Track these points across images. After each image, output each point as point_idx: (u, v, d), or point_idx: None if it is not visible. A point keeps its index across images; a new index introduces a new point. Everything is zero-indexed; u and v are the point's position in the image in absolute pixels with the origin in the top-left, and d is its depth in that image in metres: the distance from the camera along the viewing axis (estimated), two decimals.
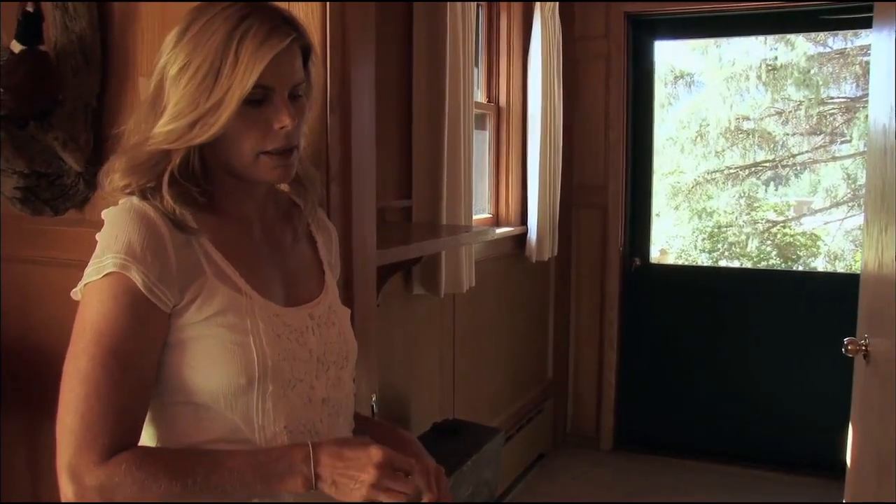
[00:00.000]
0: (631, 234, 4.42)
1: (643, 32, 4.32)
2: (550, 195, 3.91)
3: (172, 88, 1.10)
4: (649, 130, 4.44)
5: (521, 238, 3.87)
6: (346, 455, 1.05)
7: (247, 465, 1.04)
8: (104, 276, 1.03)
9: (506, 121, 3.85)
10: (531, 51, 3.78)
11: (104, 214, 1.10)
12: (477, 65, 3.55)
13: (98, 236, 1.09)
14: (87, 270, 1.06)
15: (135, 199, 1.08)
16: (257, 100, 1.10)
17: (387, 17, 2.69)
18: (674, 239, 7.08)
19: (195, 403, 1.09)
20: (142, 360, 1.05)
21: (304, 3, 1.61)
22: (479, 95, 3.72)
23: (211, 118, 1.08)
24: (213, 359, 1.08)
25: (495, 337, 3.77)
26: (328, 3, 1.62)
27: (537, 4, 3.72)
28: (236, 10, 1.10)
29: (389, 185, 2.81)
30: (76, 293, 1.09)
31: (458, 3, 2.91)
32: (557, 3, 3.87)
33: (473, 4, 3.12)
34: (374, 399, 1.91)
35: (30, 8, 1.70)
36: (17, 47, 1.72)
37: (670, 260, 6.67)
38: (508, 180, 3.88)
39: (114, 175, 1.12)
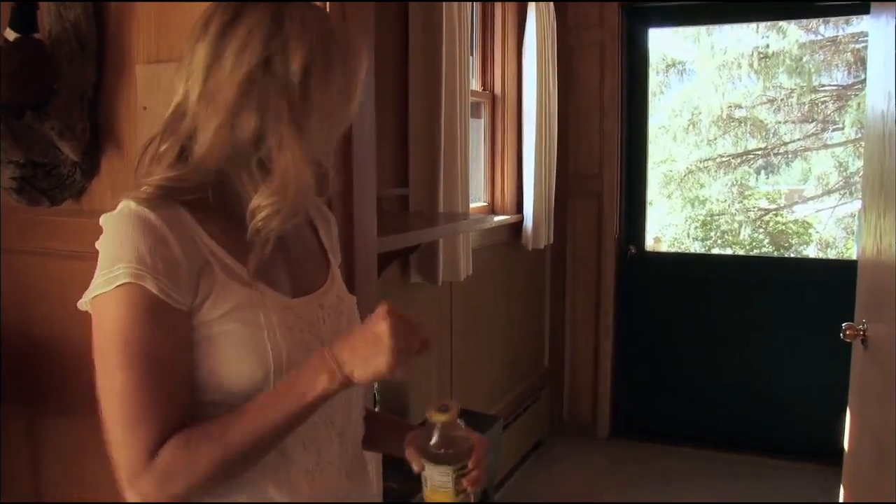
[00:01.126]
0: (626, 223, 4.42)
1: (637, 21, 4.31)
2: (546, 183, 3.91)
3: (305, 87, 1.05)
4: (643, 119, 4.44)
5: (518, 226, 3.87)
6: (354, 331, 1.05)
7: (273, 395, 1.04)
8: (117, 286, 1.00)
9: (501, 109, 3.85)
10: (526, 39, 3.77)
11: (103, 222, 1.06)
12: (472, 53, 3.54)
13: (99, 245, 1.05)
14: (96, 281, 1.02)
15: (132, 204, 1.04)
16: None
17: (383, 6, 2.68)
18: (667, 227, 7.10)
19: (213, 402, 1.08)
20: (174, 363, 1.03)
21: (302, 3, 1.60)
22: (475, 84, 3.71)
23: (348, 108, 1.11)
24: (229, 355, 1.06)
25: (492, 325, 3.77)
26: (327, 3, 1.61)
27: None
28: (295, 5, 1.09)
29: (386, 174, 2.80)
30: (83, 304, 1.06)
31: None
32: None
33: None
34: (375, 387, 1.92)
35: None
36: (11, 35, 1.70)
37: (663, 248, 6.68)
38: (504, 168, 3.88)
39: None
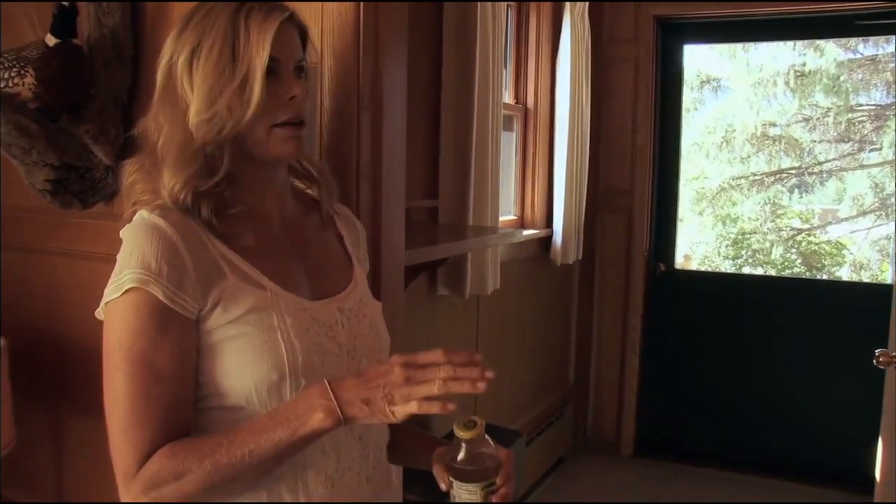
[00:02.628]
0: (656, 240, 4.38)
1: (672, 36, 4.28)
2: (576, 198, 3.89)
3: (187, 77, 1.11)
4: (676, 135, 4.41)
5: (547, 241, 3.85)
6: (366, 372, 1.02)
7: (267, 421, 1.03)
8: (124, 293, 1.03)
9: (533, 123, 3.83)
10: (560, 53, 3.76)
11: (122, 233, 1.09)
12: (506, 66, 3.54)
13: (118, 256, 1.08)
14: (107, 290, 1.05)
15: (144, 213, 1.07)
16: (266, 72, 1.10)
17: (417, 17, 2.68)
18: (697, 245, 7.02)
19: (228, 406, 1.08)
20: (175, 370, 1.04)
21: (337, 2, 1.60)
22: (507, 97, 3.71)
23: (244, 95, 1.09)
24: (244, 358, 1.07)
25: (518, 339, 3.75)
26: (361, 3, 1.61)
27: (567, 6, 3.70)
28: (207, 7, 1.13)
29: (416, 185, 2.80)
30: (99, 313, 1.09)
31: (489, 4, 2.90)
32: (587, 5, 3.84)
33: (504, 5, 3.10)
34: None
35: (65, 2, 1.71)
36: (51, 41, 1.72)
37: (693, 266, 6.61)
38: (535, 182, 3.86)
39: (171, 182, 1.09)
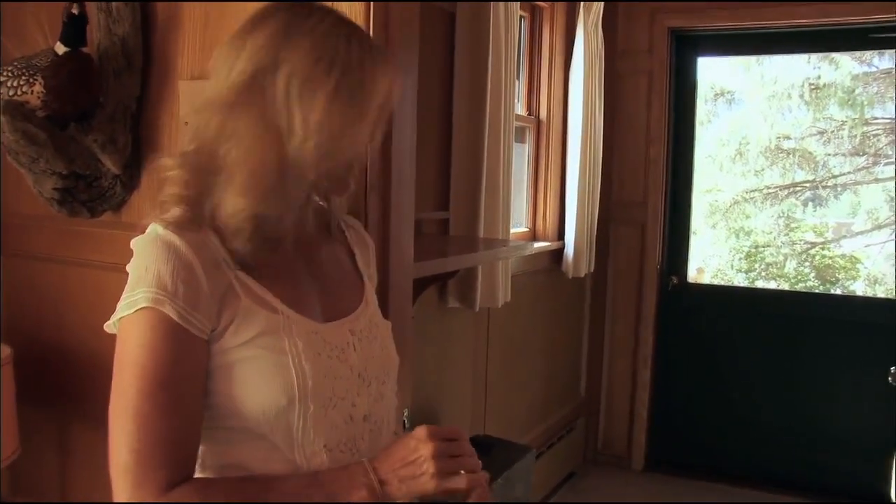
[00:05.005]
0: (669, 253, 4.35)
1: (686, 48, 4.27)
2: (589, 211, 3.86)
3: (300, 99, 1.04)
4: (690, 148, 4.39)
5: (558, 253, 3.83)
6: (396, 451, 1.05)
7: (303, 487, 1.03)
8: (137, 310, 1.01)
9: (546, 134, 3.82)
10: (573, 64, 3.74)
11: (133, 245, 1.07)
12: (518, 77, 3.52)
13: (128, 267, 1.06)
14: (120, 304, 1.03)
15: (159, 228, 1.04)
16: None
17: (429, 27, 2.67)
18: (710, 258, 6.98)
19: (235, 427, 1.07)
20: (188, 390, 1.03)
21: (347, 2, 1.59)
22: (520, 108, 3.69)
23: (359, 134, 1.10)
24: (254, 382, 1.05)
25: (529, 353, 3.72)
26: (372, 3, 1.60)
27: (580, 17, 3.68)
28: (328, 13, 1.10)
29: (427, 197, 2.79)
30: (110, 327, 1.07)
31: (502, 15, 2.88)
32: (601, 17, 3.83)
33: (517, 16, 3.08)
34: (406, 414, 1.88)
35: (75, 10, 1.70)
36: (60, 49, 1.72)
37: (707, 279, 6.58)
38: (547, 195, 3.84)
39: (237, 205, 1.04)
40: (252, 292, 1.07)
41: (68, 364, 2.08)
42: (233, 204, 1.04)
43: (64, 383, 2.10)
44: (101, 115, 1.81)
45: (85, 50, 1.75)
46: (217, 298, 1.04)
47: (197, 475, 1.07)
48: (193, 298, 1.02)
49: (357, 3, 1.59)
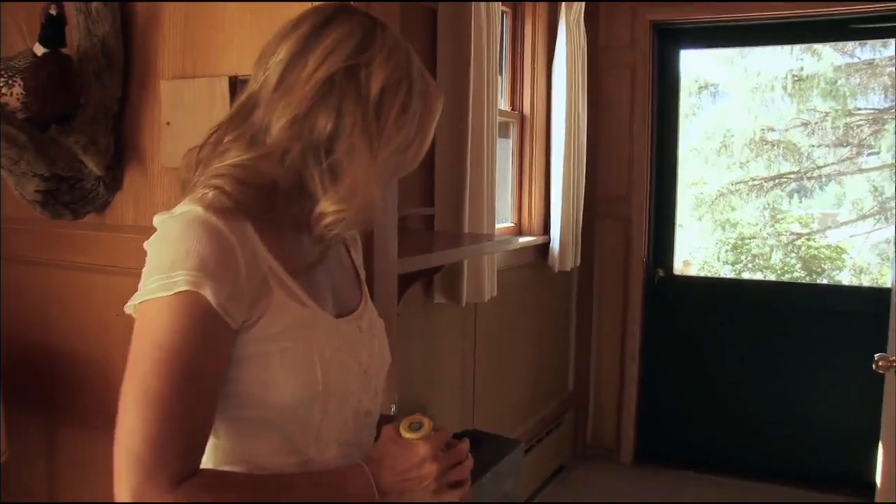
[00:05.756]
0: (654, 246, 4.37)
1: (669, 42, 4.28)
2: (574, 205, 3.87)
3: (389, 105, 1.05)
4: (674, 141, 4.40)
5: (544, 248, 3.84)
6: (398, 461, 1.08)
7: (311, 488, 1.04)
8: (175, 293, 0.96)
9: (529, 129, 3.83)
10: (556, 59, 3.75)
11: (161, 223, 1.02)
12: (501, 72, 3.53)
13: (152, 245, 1.01)
14: (150, 286, 0.98)
15: (199, 210, 1.00)
16: None
17: (411, 24, 2.67)
18: (697, 250, 7.01)
19: (249, 418, 1.06)
20: (213, 381, 1.00)
21: (327, 2, 1.59)
22: (503, 103, 3.70)
23: (421, 148, 1.13)
24: (281, 374, 1.04)
25: (516, 347, 3.73)
26: (351, 3, 1.60)
27: (562, 12, 3.69)
28: (388, 29, 1.10)
29: (411, 193, 2.79)
30: (131, 308, 1.01)
31: (483, 11, 2.89)
32: (583, 12, 3.84)
33: (498, 12, 3.09)
34: (393, 409, 1.89)
35: (53, 10, 1.70)
36: (39, 50, 1.72)
37: (693, 271, 6.60)
38: (531, 189, 3.85)
39: (336, 203, 1.04)
40: (284, 285, 1.05)
41: (55, 366, 2.08)
42: (332, 206, 1.04)
43: (51, 386, 2.09)
44: (82, 117, 1.81)
45: (64, 51, 1.74)
46: (253, 289, 1.01)
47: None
48: (232, 287, 0.99)
49: (335, 1, 1.59)
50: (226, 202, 1.02)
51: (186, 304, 0.96)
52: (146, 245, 1.02)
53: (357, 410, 1.15)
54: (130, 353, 0.98)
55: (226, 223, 1.00)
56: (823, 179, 7.01)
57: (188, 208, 1.01)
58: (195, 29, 1.85)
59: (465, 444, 1.13)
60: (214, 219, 0.99)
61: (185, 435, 0.96)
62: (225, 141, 1.07)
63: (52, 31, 1.71)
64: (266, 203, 1.06)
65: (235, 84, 1.82)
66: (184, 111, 1.84)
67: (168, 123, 1.86)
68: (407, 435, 1.09)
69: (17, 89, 1.69)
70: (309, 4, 1.60)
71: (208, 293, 0.96)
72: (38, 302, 2.10)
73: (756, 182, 6.84)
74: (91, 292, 1.99)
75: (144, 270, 1.00)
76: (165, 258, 0.98)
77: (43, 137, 1.77)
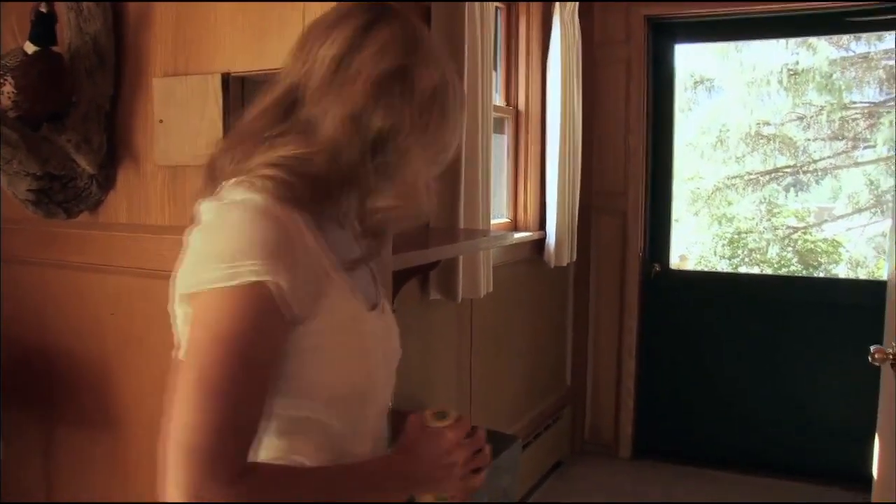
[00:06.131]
0: (651, 240, 4.37)
1: (664, 36, 4.27)
2: (569, 200, 3.87)
3: (429, 104, 1.06)
4: (669, 136, 4.40)
5: (540, 243, 3.83)
6: (426, 451, 1.09)
7: (363, 478, 1.05)
8: (237, 284, 0.93)
9: (524, 125, 3.82)
10: (550, 54, 3.75)
11: (212, 209, 0.99)
12: (495, 68, 3.52)
13: (203, 231, 0.98)
14: (209, 275, 0.94)
15: (257, 198, 0.98)
16: None
17: None
18: (693, 245, 7.01)
19: (295, 415, 1.04)
20: (271, 373, 0.98)
21: (318, 2, 1.59)
22: (498, 99, 3.69)
23: (453, 150, 1.13)
24: (335, 368, 1.04)
25: (513, 343, 3.73)
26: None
27: (556, 7, 3.68)
28: (427, 31, 1.12)
29: None
30: (182, 295, 0.99)
31: (477, 7, 2.88)
32: (577, 7, 3.83)
33: (492, 8, 3.08)
34: (388, 405, 1.89)
35: (43, 9, 1.69)
36: (30, 48, 1.71)
37: (690, 266, 6.61)
38: (527, 185, 3.85)
39: (390, 198, 1.07)
40: (337, 278, 1.05)
41: (51, 366, 2.08)
42: (385, 202, 1.06)
43: (47, 385, 2.09)
44: (74, 115, 1.81)
45: (55, 49, 1.74)
46: (312, 281, 1.00)
47: None
48: (294, 279, 0.96)
49: (329, 3, 1.58)
50: (283, 193, 1.00)
51: (250, 296, 0.94)
52: (196, 230, 0.99)
53: (384, 405, 1.17)
54: (188, 345, 0.96)
55: (285, 213, 0.98)
56: (819, 173, 7.02)
57: (246, 196, 0.98)
58: (187, 26, 1.84)
59: (483, 432, 1.14)
60: (278, 209, 0.98)
61: (244, 431, 0.94)
62: (268, 133, 1.05)
63: (43, 28, 1.71)
64: (316, 196, 1.04)
65: (228, 81, 1.82)
66: (177, 109, 1.83)
67: (161, 121, 1.86)
68: (435, 424, 1.11)
69: (8, 88, 1.69)
70: (302, 5, 1.60)
71: (273, 285, 0.94)
72: (33, 301, 2.09)
73: (752, 176, 6.85)
74: (86, 291, 1.98)
75: (193, 257, 0.97)
76: (225, 246, 0.95)
77: (35, 136, 1.77)
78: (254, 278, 0.93)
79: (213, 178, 1.08)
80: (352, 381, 1.05)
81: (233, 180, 1.03)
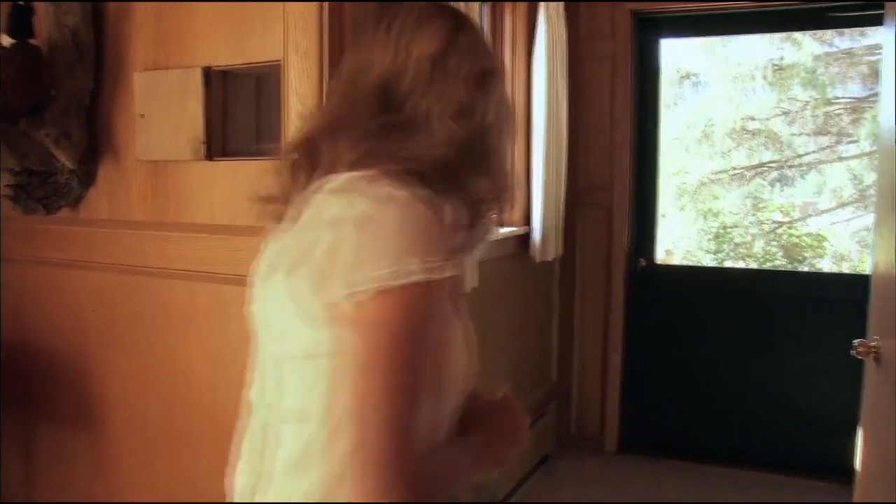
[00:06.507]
0: (636, 235, 4.37)
1: (649, 31, 4.27)
2: (555, 195, 3.87)
3: (504, 98, 1.17)
4: (655, 130, 4.40)
5: (525, 238, 3.83)
6: (499, 426, 1.22)
7: (469, 456, 1.13)
8: (410, 282, 0.93)
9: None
10: (536, 50, 3.74)
11: (369, 204, 0.98)
12: None
13: (356, 226, 0.96)
14: (377, 273, 0.93)
15: (404, 193, 0.98)
16: None
17: None
18: (679, 240, 7.04)
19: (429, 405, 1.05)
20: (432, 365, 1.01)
21: (301, 2, 1.58)
22: None
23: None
24: (456, 358, 1.07)
25: (498, 338, 3.72)
26: (325, 4, 1.59)
27: (542, 3, 3.68)
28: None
29: None
30: (349, 293, 0.95)
31: (462, 2, 2.87)
32: (562, 2, 3.83)
33: (477, 3, 3.07)
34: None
35: (20, 1, 1.67)
36: (6, 41, 1.69)
37: (675, 260, 6.63)
38: (512, 180, 3.84)
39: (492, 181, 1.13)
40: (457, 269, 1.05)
41: (31, 364, 2.06)
42: (491, 190, 1.12)
43: (27, 383, 2.07)
44: (53, 109, 1.79)
45: (33, 42, 1.72)
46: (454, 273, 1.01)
47: None
48: (453, 272, 0.98)
49: (310, 3, 1.58)
50: (427, 186, 1.01)
51: (423, 294, 0.94)
52: (348, 225, 0.97)
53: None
54: (364, 346, 0.94)
55: (439, 207, 1.00)
56: (804, 168, 7.06)
57: (399, 191, 0.98)
58: (168, 20, 1.83)
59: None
60: (432, 202, 0.99)
61: (419, 420, 0.96)
62: (369, 123, 1.07)
63: (19, 21, 1.69)
64: (448, 188, 1.05)
65: (209, 75, 1.80)
66: (158, 103, 1.82)
67: (142, 115, 1.84)
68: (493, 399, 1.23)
69: None
70: (285, 6, 1.59)
71: (441, 281, 0.95)
72: (11, 299, 2.07)
73: (737, 171, 6.88)
74: (66, 288, 1.97)
75: (352, 254, 0.95)
76: (389, 245, 0.95)
77: (12, 131, 1.75)
78: (426, 276, 0.93)
79: (311, 161, 1.11)
80: (466, 369, 1.08)
81: (358, 173, 1.03)
